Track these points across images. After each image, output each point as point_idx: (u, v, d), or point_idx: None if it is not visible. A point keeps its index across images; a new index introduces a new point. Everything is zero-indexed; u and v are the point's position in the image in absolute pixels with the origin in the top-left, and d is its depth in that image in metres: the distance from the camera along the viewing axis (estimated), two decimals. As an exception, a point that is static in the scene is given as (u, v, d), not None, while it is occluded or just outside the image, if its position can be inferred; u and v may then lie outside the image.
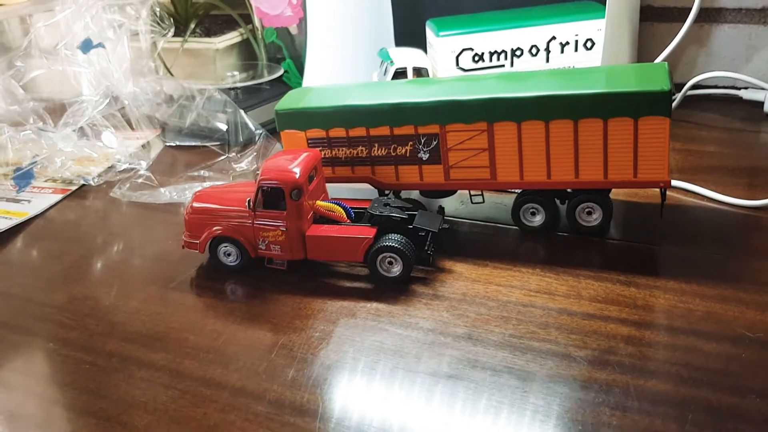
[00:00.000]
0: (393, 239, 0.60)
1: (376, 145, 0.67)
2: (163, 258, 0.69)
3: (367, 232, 0.61)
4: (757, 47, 0.92)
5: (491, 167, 0.64)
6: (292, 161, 0.63)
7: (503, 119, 0.62)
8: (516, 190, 0.67)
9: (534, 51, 0.86)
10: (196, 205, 0.65)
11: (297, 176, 0.61)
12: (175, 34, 1.07)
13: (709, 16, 0.93)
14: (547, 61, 0.86)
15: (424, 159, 0.66)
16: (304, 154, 0.64)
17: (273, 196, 0.61)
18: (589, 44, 0.85)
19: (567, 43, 0.85)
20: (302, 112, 0.69)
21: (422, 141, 0.66)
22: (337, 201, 0.65)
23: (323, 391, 0.49)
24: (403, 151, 0.67)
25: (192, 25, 1.12)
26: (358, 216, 0.64)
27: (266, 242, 0.62)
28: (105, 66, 0.95)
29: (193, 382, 0.51)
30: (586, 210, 0.64)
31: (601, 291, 0.57)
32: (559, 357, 0.50)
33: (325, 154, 0.69)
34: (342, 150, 0.69)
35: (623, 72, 0.63)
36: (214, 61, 1.11)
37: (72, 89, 0.99)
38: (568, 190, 0.65)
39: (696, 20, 0.92)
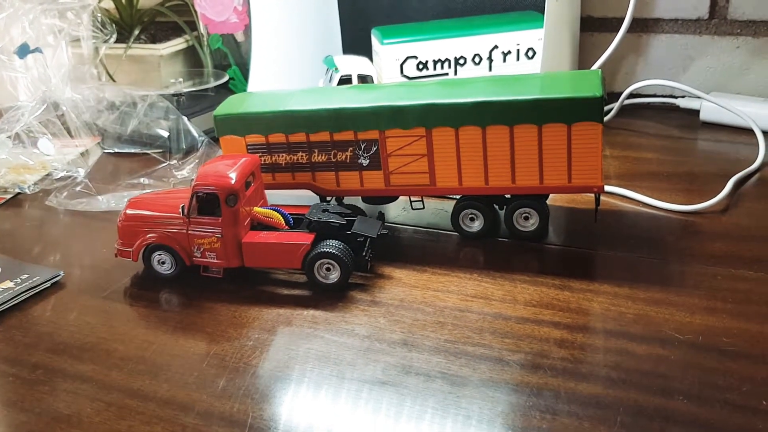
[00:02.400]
0: (331, 245, 0.60)
1: (317, 150, 0.67)
2: (98, 267, 0.67)
3: (304, 238, 0.60)
4: (693, 57, 0.94)
5: (430, 173, 0.64)
6: (229, 167, 0.62)
7: (441, 125, 0.62)
8: (455, 196, 0.68)
9: (477, 60, 0.87)
10: (129, 212, 0.64)
11: (233, 182, 0.60)
12: (120, 41, 1.06)
13: (646, 26, 0.95)
14: (490, 69, 0.87)
15: (364, 165, 0.66)
16: (242, 160, 0.63)
17: (208, 203, 0.60)
18: (530, 53, 0.86)
19: (509, 52, 0.86)
20: (241, 118, 0.68)
21: (362, 147, 0.65)
22: (275, 207, 0.64)
23: (254, 401, 0.48)
24: (344, 156, 0.66)
25: (136, 32, 1.10)
26: (296, 222, 0.64)
27: (201, 250, 0.61)
28: (42, 71, 0.93)
29: (120, 394, 0.49)
30: (523, 215, 0.65)
31: (536, 295, 0.57)
32: (493, 361, 0.50)
33: (264, 160, 0.68)
34: (282, 156, 0.68)
35: (558, 79, 0.64)
36: (158, 67, 1.09)
37: (8, 95, 0.97)
38: (506, 195, 0.65)
39: (634, 30, 0.94)
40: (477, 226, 0.66)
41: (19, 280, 0.64)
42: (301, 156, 0.67)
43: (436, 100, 0.62)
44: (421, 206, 0.69)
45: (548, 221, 0.65)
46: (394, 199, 0.71)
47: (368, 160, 0.66)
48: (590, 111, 0.58)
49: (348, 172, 0.67)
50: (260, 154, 0.68)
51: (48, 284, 0.64)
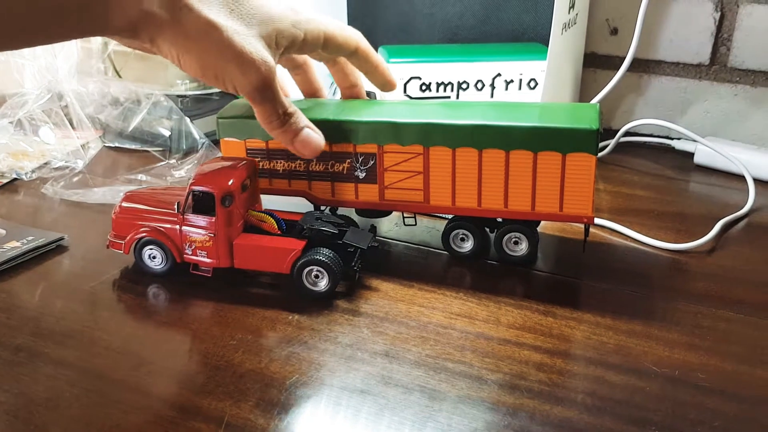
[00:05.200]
0: (321, 253, 0.60)
1: (314, 160, 0.68)
2: (88, 257, 0.68)
3: (295, 244, 0.61)
4: (692, 101, 0.96)
5: (425, 190, 0.65)
6: (227, 168, 0.63)
7: (439, 144, 0.63)
8: (447, 216, 0.69)
9: (479, 85, 0.88)
10: (124, 204, 0.64)
11: (229, 183, 0.60)
12: (129, 38, 1.07)
13: (648, 67, 0.97)
14: (492, 96, 0.88)
15: (360, 177, 0.67)
16: (240, 163, 0.64)
17: (203, 202, 0.61)
18: (532, 84, 0.88)
19: (511, 80, 0.88)
20: (244, 121, 0.69)
21: (359, 159, 0.66)
22: (269, 212, 0.65)
23: (232, 400, 0.48)
24: (341, 168, 0.67)
25: (146, 31, 1.11)
26: (289, 228, 0.64)
27: (193, 247, 0.62)
28: (50, 61, 0.94)
29: (100, 382, 0.50)
30: (513, 240, 0.65)
31: (519, 318, 0.58)
32: (472, 379, 0.51)
33: (263, 166, 0.69)
34: (280, 162, 0.69)
35: (557, 109, 0.65)
36: (165, 67, 1.10)
37: (14, 81, 0.97)
38: (498, 219, 0.66)
39: (636, 70, 0.96)
40: (468, 246, 0.67)
41: (25, 241, 0.68)
42: (299, 164, 0.68)
43: (435, 120, 0.63)
44: (414, 223, 0.70)
45: (537, 247, 0.66)
46: (388, 213, 0.72)
47: (365, 173, 0.67)
48: (585, 142, 0.59)
49: (344, 184, 0.68)
50: (259, 159, 0.69)
51: (53, 245, 0.69)
